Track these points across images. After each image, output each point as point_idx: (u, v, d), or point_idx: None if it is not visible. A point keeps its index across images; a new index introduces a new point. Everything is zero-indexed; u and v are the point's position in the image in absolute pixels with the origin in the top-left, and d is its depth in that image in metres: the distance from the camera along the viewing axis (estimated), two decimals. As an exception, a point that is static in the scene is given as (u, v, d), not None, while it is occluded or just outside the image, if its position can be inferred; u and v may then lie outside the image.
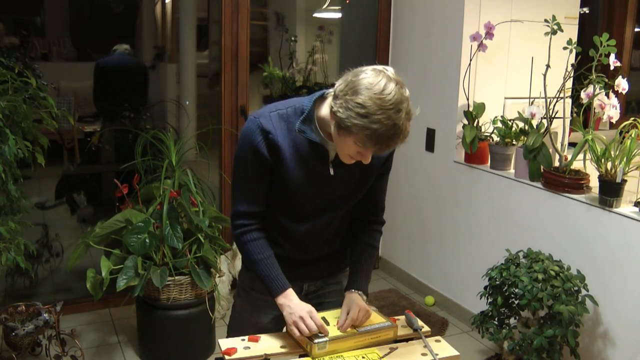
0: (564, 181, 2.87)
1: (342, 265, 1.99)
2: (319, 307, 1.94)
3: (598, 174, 2.70)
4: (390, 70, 1.58)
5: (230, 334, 2.02)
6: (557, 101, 3.00)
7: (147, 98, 4.53)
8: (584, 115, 2.97)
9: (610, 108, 2.81)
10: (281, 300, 1.78)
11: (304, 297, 1.97)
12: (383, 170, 1.86)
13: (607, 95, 2.84)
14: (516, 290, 2.60)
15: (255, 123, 1.70)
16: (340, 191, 1.79)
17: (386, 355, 1.71)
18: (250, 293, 1.94)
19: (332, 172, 1.73)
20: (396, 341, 1.79)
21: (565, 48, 2.87)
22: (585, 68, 2.83)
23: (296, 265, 1.89)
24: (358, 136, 1.55)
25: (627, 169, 2.61)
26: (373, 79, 1.53)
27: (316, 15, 4.69)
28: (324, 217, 1.81)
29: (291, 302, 1.77)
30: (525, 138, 3.05)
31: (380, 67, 1.57)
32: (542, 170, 3.00)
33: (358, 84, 1.53)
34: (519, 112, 3.14)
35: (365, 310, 1.80)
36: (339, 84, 1.58)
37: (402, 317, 1.90)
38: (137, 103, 4.42)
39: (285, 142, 1.70)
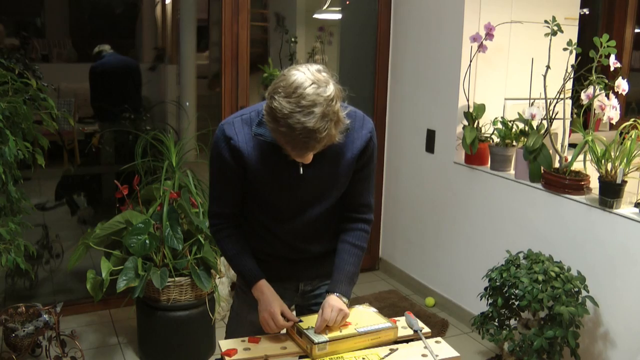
0: (564, 182, 2.87)
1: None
2: (316, 307, 1.95)
3: (598, 175, 2.70)
4: (312, 68, 1.54)
5: (229, 333, 2.04)
6: (557, 102, 3.00)
7: (141, 95, 4.53)
8: (584, 116, 2.97)
9: (610, 109, 2.81)
10: (255, 293, 1.81)
11: (300, 296, 1.97)
12: (360, 166, 1.81)
13: (607, 96, 2.84)
14: (516, 292, 2.60)
15: (220, 130, 1.74)
16: (314, 189, 1.78)
17: (386, 356, 1.71)
18: (247, 292, 1.94)
19: (301, 171, 1.73)
20: (396, 342, 1.79)
21: (565, 49, 2.87)
22: (585, 69, 2.83)
23: (291, 264, 1.90)
24: (278, 139, 1.57)
25: (627, 170, 2.61)
26: (288, 80, 1.51)
27: (316, 16, 4.69)
28: (303, 216, 1.81)
29: (262, 297, 1.80)
30: (526, 139, 3.05)
31: (302, 67, 1.55)
32: (542, 171, 3.00)
33: (276, 87, 1.53)
34: (519, 113, 3.14)
35: (338, 309, 1.76)
36: (269, 87, 1.58)
37: (402, 318, 1.90)
38: (136, 101, 4.42)
39: (248, 146, 1.71)
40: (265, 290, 1.81)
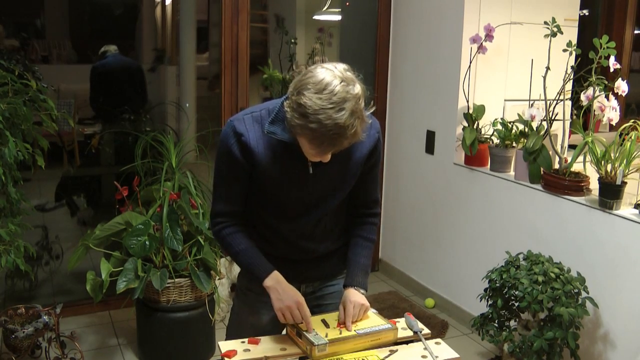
0: (563, 183, 2.87)
1: (341, 268, 1.97)
2: (317, 309, 1.94)
3: (598, 176, 2.70)
4: (340, 67, 1.57)
5: (229, 335, 2.03)
6: (557, 103, 3.00)
7: (146, 96, 4.53)
8: (583, 118, 2.97)
9: (610, 110, 2.81)
10: (268, 282, 1.78)
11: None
12: (370, 166, 1.83)
13: (606, 97, 2.84)
14: (516, 293, 2.60)
15: (229, 126, 1.73)
16: (322, 189, 1.78)
17: (386, 357, 1.71)
18: (247, 294, 1.94)
19: (311, 170, 1.73)
20: (396, 343, 1.79)
21: (565, 50, 2.88)
22: (585, 70, 2.83)
23: (293, 265, 1.89)
24: (303, 136, 1.56)
25: (627, 171, 2.61)
26: (317, 77, 1.53)
27: (316, 17, 4.69)
28: (310, 216, 1.81)
29: (279, 286, 1.78)
30: (525, 140, 3.05)
31: (329, 65, 1.56)
32: (542, 172, 3.00)
33: (303, 84, 1.53)
34: (518, 114, 3.14)
35: (360, 304, 1.80)
36: (292, 84, 1.58)
37: (402, 320, 1.90)
38: (137, 103, 4.43)
39: (259, 144, 1.71)
40: (280, 280, 1.79)
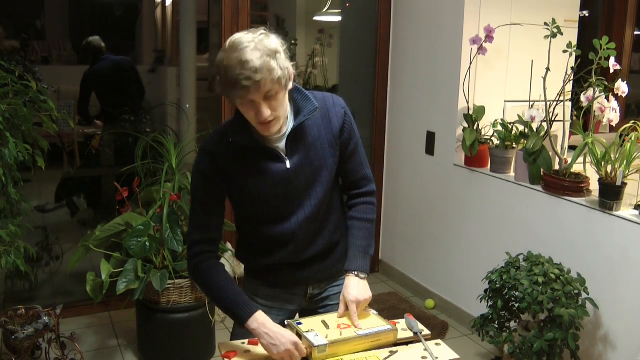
0: (564, 184, 2.87)
1: (343, 265, 1.96)
2: (323, 310, 1.95)
3: (598, 177, 2.70)
4: (254, 30, 1.62)
5: (234, 336, 2.02)
6: (557, 104, 3.00)
7: (143, 91, 4.53)
8: (584, 119, 2.97)
9: (610, 111, 2.81)
10: (253, 325, 1.70)
11: (308, 300, 1.96)
12: (345, 142, 1.82)
13: (607, 98, 2.84)
14: (516, 294, 2.60)
15: (200, 150, 1.76)
16: (306, 178, 1.77)
17: (386, 358, 1.71)
18: (254, 300, 1.93)
19: (288, 165, 1.74)
20: (396, 344, 1.79)
21: (565, 51, 2.88)
22: (585, 71, 2.83)
23: (299, 269, 1.88)
24: (225, 92, 1.58)
25: (627, 172, 2.61)
26: (229, 40, 1.60)
27: (316, 18, 4.69)
28: (302, 210, 1.79)
29: (267, 329, 1.69)
30: (526, 141, 3.06)
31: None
32: (542, 173, 3.00)
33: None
34: (519, 115, 3.14)
35: (362, 300, 1.82)
36: None
37: (402, 321, 1.90)
38: (137, 101, 4.43)
39: (230, 158, 1.71)
40: (266, 322, 1.71)
